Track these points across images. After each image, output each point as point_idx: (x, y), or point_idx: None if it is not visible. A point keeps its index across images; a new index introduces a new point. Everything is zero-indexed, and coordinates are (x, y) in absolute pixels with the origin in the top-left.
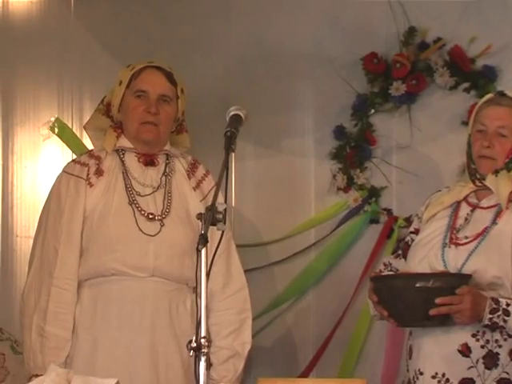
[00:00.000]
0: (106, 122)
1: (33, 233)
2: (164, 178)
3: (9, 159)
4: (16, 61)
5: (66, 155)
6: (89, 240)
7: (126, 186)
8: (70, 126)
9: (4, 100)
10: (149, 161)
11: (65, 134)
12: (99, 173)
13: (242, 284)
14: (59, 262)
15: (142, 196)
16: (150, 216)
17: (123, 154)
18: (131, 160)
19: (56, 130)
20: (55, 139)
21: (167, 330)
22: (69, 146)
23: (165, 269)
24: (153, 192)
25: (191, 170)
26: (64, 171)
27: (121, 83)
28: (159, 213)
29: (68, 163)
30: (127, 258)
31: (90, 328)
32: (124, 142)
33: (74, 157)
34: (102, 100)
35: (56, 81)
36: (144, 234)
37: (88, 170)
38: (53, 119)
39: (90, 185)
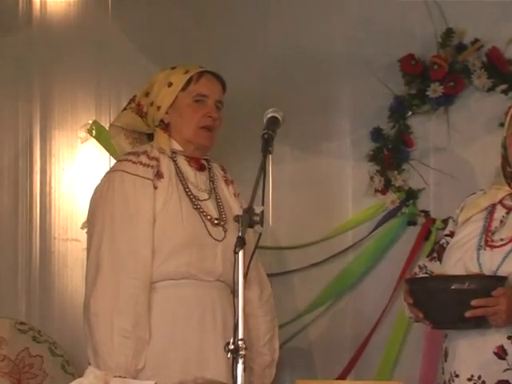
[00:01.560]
0: (139, 121)
1: (71, 235)
2: (211, 183)
3: (47, 162)
4: (53, 63)
5: (104, 158)
6: (159, 243)
7: (185, 191)
8: (107, 128)
9: (42, 103)
10: (200, 165)
11: (102, 137)
12: (160, 175)
13: (270, 291)
14: (139, 264)
15: (201, 201)
16: (216, 221)
17: (175, 156)
18: (183, 164)
19: (94, 132)
20: (93, 142)
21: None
22: (106, 149)
23: (229, 273)
24: (209, 197)
25: (225, 176)
26: (124, 171)
27: (170, 85)
28: (219, 218)
29: (122, 163)
30: (199, 262)
31: (162, 331)
32: (175, 145)
33: (112, 159)
34: (133, 99)
35: (94, 83)
36: (213, 238)
37: (153, 172)
38: (90, 122)
39: (155, 187)
